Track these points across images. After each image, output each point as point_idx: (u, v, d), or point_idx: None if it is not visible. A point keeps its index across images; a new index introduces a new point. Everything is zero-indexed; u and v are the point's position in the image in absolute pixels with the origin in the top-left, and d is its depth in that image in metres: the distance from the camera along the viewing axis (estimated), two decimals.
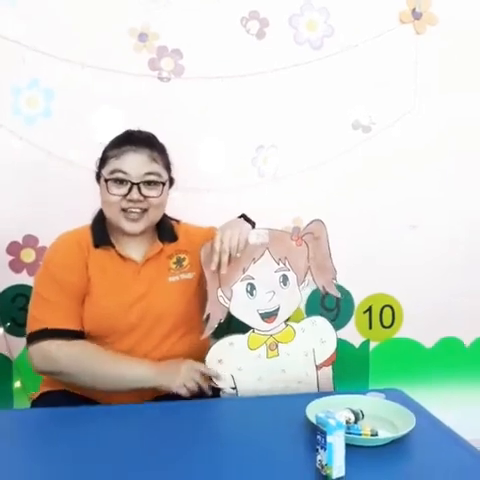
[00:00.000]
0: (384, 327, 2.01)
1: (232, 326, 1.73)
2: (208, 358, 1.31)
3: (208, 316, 1.31)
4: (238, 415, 1.23)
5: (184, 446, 1.05)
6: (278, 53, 1.85)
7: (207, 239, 1.45)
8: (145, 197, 1.34)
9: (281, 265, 1.34)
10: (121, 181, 1.33)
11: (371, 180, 1.93)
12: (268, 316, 1.33)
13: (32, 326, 1.34)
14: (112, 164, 1.34)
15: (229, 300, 1.32)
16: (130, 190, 1.32)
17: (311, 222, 1.37)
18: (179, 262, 1.44)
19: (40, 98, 1.77)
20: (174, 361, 1.34)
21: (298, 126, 1.87)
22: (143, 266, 1.40)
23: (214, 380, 1.31)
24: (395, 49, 1.89)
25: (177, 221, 1.52)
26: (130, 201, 1.33)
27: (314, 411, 1.04)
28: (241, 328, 1.36)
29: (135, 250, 1.41)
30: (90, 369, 1.30)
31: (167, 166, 1.41)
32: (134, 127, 1.43)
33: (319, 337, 1.34)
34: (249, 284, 1.32)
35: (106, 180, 1.34)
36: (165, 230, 1.46)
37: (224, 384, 1.31)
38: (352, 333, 1.97)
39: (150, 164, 1.35)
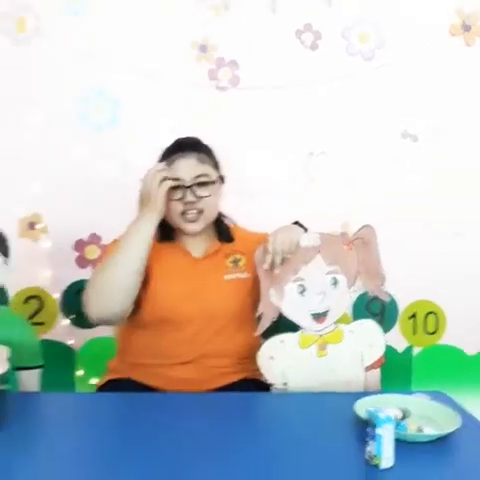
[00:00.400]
0: (428, 333, 2.05)
1: (280, 325, 1.83)
2: (260, 354, 1.38)
3: (261, 315, 1.39)
4: (288, 409, 1.30)
5: (236, 436, 1.12)
6: (330, 64, 1.93)
7: (262, 243, 1.55)
8: (199, 198, 1.44)
9: (332, 268, 1.39)
10: (176, 187, 1.44)
11: (418, 188, 1.97)
12: (318, 317, 1.39)
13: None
14: (167, 173, 1.45)
15: (281, 300, 1.39)
16: (185, 193, 1.44)
17: (362, 227, 1.42)
18: (235, 262, 1.53)
19: (107, 107, 1.90)
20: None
21: (348, 134, 1.94)
22: (201, 262, 1.50)
23: (264, 375, 1.39)
24: (445, 60, 1.94)
25: (233, 224, 1.62)
26: (186, 203, 1.44)
27: (363, 407, 1.11)
28: (289, 327, 1.43)
29: (195, 247, 1.52)
30: (103, 264, 1.41)
31: (215, 165, 1.51)
32: (193, 133, 1.55)
33: (368, 339, 1.39)
34: (300, 285, 1.38)
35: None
36: (223, 231, 1.56)
37: (275, 380, 1.38)
38: (396, 338, 2.02)
39: (199, 166, 1.45)
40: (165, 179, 1.38)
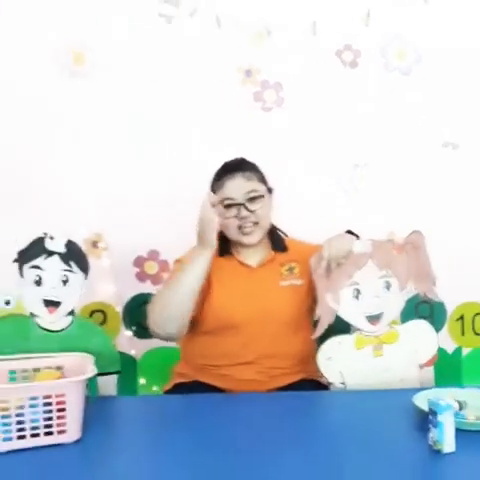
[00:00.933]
0: (476, 334, 2.10)
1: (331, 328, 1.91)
2: (319, 355, 1.48)
3: (319, 318, 1.48)
4: (349, 405, 1.39)
5: (303, 432, 1.21)
6: (370, 80, 2.03)
7: (315, 252, 1.65)
8: (252, 211, 1.56)
9: (384, 272, 1.48)
10: (230, 205, 1.57)
11: (459, 195, 2.04)
12: (373, 319, 1.48)
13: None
14: (219, 194, 1.58)
15: (337, 303, 1.48)
16: (239, 210, 1.56)
17: (411, 233, 1.50)
18: (290, 270, 1.64)
19: (162, 128, 2.03)
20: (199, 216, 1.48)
21: (390, 146, 2.04)
22: (257, 270, 1.62)
23: (323, 374, 1.48)
24: None
25: (285, 235, 1.73)
26: (242, 218, 1.57)
27: (421, 399, 1.19)
28: (341, 330, 1.52)
29: (251, 257, 1.64)
30: (165, 286, 1.54)
31: (262, 180, 1.63)
32: (242, 151, 1.67)
33: (422, 339, 1.48)
34: (355, 289, 1.48)
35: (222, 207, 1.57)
36: (277, 241, 1.68)
37: (334, 379, 1.48)
38: (445, 340, 2.07)
39: (247, 184, 1.58)
40: (214, 219, 1.46)
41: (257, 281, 1.61)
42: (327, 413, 1.35)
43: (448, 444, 1.03)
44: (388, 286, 1.49)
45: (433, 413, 1.04)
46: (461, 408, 1.19)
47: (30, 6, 1.98)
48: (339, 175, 2.05)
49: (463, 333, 2.10)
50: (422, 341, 1.49)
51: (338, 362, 1.48)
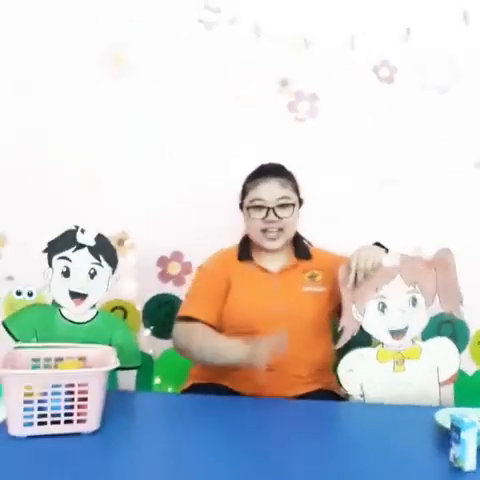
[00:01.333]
0: None
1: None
2: (340, 366, 1.48)
3: (342, 329, 1.48)
4: (367, 417, 1.38)
5: (321, 441, 1.21)
6: (406, 96, 2.02)
7: (339, 264, 1.65)
8: (280, 218, 1.57)
9: (411, 287, 1.48)
10: (259, 207, 1.58)
11: None
12: (397, 334, 1.47)
13: (178, 311, 1.63)
14: (251, 194, 1.61)
15: (362, 316, 1.48)
16: (267, 213, 1.57)
17: (441, 250, 1.50)
18: (313, 277, 1.65)
19: (193, 135, 2.05)
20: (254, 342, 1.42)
21: (422, 163, 2.02)
22: (278, 275, 1.63)
23: (343, 386, 1.47)
24: None
25: (310, 243, 1.73)
26: (268, 222, 1.58)
27: (442, 416, 1.18)
28: (361, 343, 1.51)
29: (273, 263, 1.65)
30: (195, 341, 1.51)
31: (296, 189, 1.65)
32: (273, 160, 1.68)
33: (444, 356, 1.48)
34: (381, 303, 1.48)
35: (248, 208, 1.60)
36: (300, 248, 1.69)
37: (353, 391, 1.47)
38: (467, 362, 2.04)
39: (281, 190, 1.59)
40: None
41: (278, 286, 1.62)
42: (345, 424, 1.35)
43: (470, 462, 1.02)
44: (414, 302, 1.49)
45: (456, 430, 1.03)
46: None
47: (77, 7, 2.02)
48: (369, 189, 2.04)
49: None
50: (444, 359, 1.48)
51: (359, 374, 1.48)
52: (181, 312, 1.62)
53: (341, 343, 1.49)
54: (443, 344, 1.50)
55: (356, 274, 1.47)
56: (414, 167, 2.02)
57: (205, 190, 2.05)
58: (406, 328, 1.48)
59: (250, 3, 2.03)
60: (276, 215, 1.57)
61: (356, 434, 1.28)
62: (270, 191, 1.59)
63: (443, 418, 1.22)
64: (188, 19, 2.05)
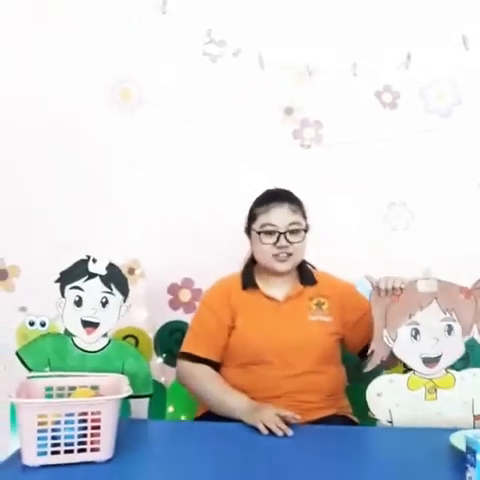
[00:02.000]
0: None
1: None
2: (368, 391, 1.45)
3: (372, 352, 1.45)
4: (383, 440, 1.38)
5: (333, 466, 1.20)
6: (409, 121, 2.06)
7: (347, 290, 1.67)
8: (291, 243, 1.58)
9: (447, 315, 1.44)
10: (270, 232, 1.59)
11: None
12: (430, 361, 1.43)
13: (181, 347, 1.65)
14: (262, 219, 1.62)
15: (393, 341, 1.45)
16: (278, 239, 1.58)
17: None
18: (319, 305, 1.64)
19: (202, 164, 2.10)
20: (265, 404, 1.47)
21: (427, 185, 2.04)
22: (284, 304, 1.63)
23: (371, 410, 1.45)
24: None
25: (314, 268, 1.74)
26: (279, 248, 1.59)
27: (458, 439, 1.17)
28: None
29: (278, 290, 1.65)
30: (203, 389, 1.56)
31: (304, 215, 1.66)
32: (281, 187, 1.71)
33: (479, 388, 1.43)
34: (414, 329, 1.44)
35: (259, 232, 1.61)
36: (306, 274, 1.69)
37: (381, 416, 1.44)
38: None
39: (292, 215, 1.61)
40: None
41: (285, 315, 1.61)
42: (361, 448, 1.33)
43: None
44: (450, 330, 1.44)
45: (471, 452, 1.02)
46: None
47: (84, 42, 2.09)
48: (376, 212, 2.06)
49: None
50: (479, 391, 1.44)
51: (388, 400, 1.44)
52: (184, 348, 1.64)
53: (370, 367, 1.46)
54: (479, 376, 1.45)
55: (386, 287, 1.45)
56: (419, 190, 2.05)
57: (215, 217, 2.09)
58: (439, 356, 1.44)
59: (253, 35, 2.09)
60: (287, 240, 1.58)
61: (371, 457, 1.28)
62: (282, 216, 1.60)
63: (458, 440, 1.20)
64: (193, 52, 2.11)
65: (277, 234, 1.59)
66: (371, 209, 2.06)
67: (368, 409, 1.45)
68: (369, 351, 1.46)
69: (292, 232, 1.60)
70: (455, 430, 1.29)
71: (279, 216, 1.60)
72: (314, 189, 2.00)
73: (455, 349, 1.45)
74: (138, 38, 2.10)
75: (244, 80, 2.10)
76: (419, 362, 1.44)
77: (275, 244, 1.59)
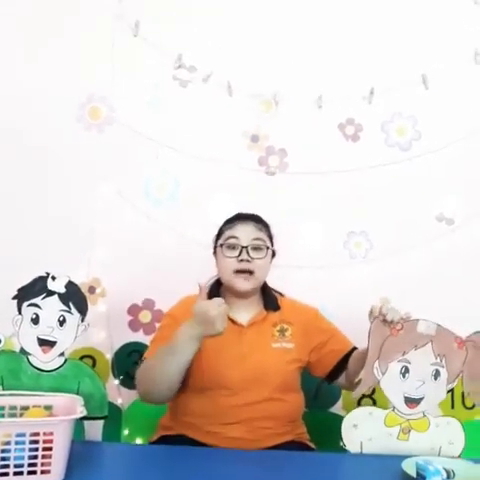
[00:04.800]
0: None
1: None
2: (345, 421, 1.45)
3: (359, 381, 1.46)
4: (337, 466, 1.39)
5: None
6: (370, 154, 2.13)
7: (311, 315, 1.70)
8: (252, 258, 1.59)
9: (438, 360, 1.45)
10: (233, 246, 1.61)
11: (453, 269, 2.08)
12: (411, 402, 1.45)
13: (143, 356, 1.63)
14: (227, 233, 1.64)
15: (382, 374, 1.45)
16: (240, 252, 1.59)
17: (476, 332, 1.48)
18: (282, 331, 1.65)
19: (168, 185, 2.12)
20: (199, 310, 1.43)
21: (386, 215, 2.11)
22: (247, 329, 1.63)
23: (343, 440, 1.45)
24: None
25: (281, 294, 1.76)
26: (241, 261, 1.59)
27: (409, 465, 1.19)
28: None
29: (242, 314, 1.65)
30: (157, 363, 1.48)
31: (270, 237, 1.69)
32: (244, 211, 1.73)
33: (449, 437, 1.45)
34: (404, 366, 1.45)
35: (221, 245, 1.62)
36: (270, 300, 1.70)
37: (351, 447, 1.45)
38: None
39: (256, 232, 1.64)
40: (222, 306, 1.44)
41: (248, 341, 1.61)
42: (316, 474, 1.33)
43: None
44: (437, 375, 1.46)
45: (421, 478, 1.04)
46: (449, 477, 1.18)
47: (55, 59, 2.10)
48: (337, 240, 2.11)
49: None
50: (450, 440, 1.45)
51: (362, 432, 1.45)
52: (145, 356, 1.63)
53: (356, 395, 1.47)
54: (453, 425, 1.47)
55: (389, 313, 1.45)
56: (379, 219, 2.11)
57: (178, 238, 2.09)
58: (421, 398, 1.45)
59: (223, 63, 2.14)
60: (249, 255, 1.59)
61: None
62: (246, 231, 1.62)
63: (410, 466, 1.22)
64: (164, 76, 2.15)
65: (240, 248, 1.60)
66: (332, 236, 2.11)
67: (340, 438, 1.45)
68: (356, 379, 1.47)
69: (255, 248, 1.61)
70: (406, 457, 1.31)
71: (243, 230, 1.63)
72: (278, 215, 2.03)
73: (437, 394, 1.46)
74: (109, 58, 2.11)
75: (213, 106, 2.14)
76: (401, 400, 1.45)
77: (237, 257, 1.59)
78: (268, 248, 1.64)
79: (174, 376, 1.47)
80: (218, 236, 1.69)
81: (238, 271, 1.60)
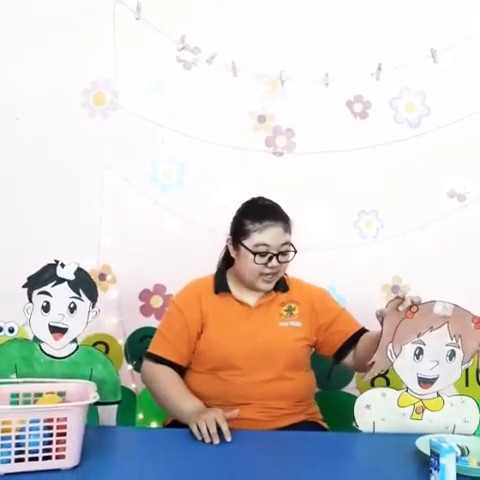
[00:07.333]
0: None
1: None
2: (357, 401, 1.44)
3: (372, 363, 1.44)
4: (351, 445, 1.39)
5: (301, 472, 1.20)
6: (379, 131, 2.09)
7: (318, 294, 1.68)
8: (280, 263, 1.58)
9: (454, 341, 1.43)
10: (262, 253, 1.56)
11: (466, 246, 2.06)
12: (425, 382, 1.43)
13: (148, 347, 1.65)
14: (256, 238, 1.56)
15: (396, 356, 1.44)
16: (270, 259, 1.56)
17: None
18: (290, 310, 1.64)
19: (174, 170, 2.11)
20: (213, 408, 1.45)
21: (397, 194, 2.08)
22: (255, 309, 1.62)
23: (356, 420, 1.45)
24: None
25: (285, 274, 1.74)
26: (270, 268, 1.57)
27: (423, 443, 1.18)
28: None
29: (250, 296, 1.64)
30: (161, 390, 1.55)
31: (290, 232, 1.63)
32: (251, 195, 1.70)
33: (464, 416, 1.44)
34: (418, 348, 1.43)
35: (253, 252, 1.56)
36: (278, 281, 1.67)
37: (364, 427, 1.44)
38: None
39: (284, 235, 1.59)
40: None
41: (256, 321, 1.61)
42: (329, 454, 1.33)
43: None
44: (452, 355, 1.44)
45: (435, 456, 1.04)
46: (463, 454, 1.18)
47: (57, 45, 2.08)
48: (346, 220, 2.09)
49: None
50: (464, 418, 1.44)
51: (375, 412, 1.44)
52: (149, 348, 1.64)
53: (368, 376, 1.45)
54: (468, 403, 1.45)
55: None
56: (389, 198, 2.08)
57: (187, 223, 2.09)
58: (435, 379, 1.44)
59: (227, 43, 2.11)
60: (279, 261, 1.57)
61: (340, 463, 1.28)
62: (276, 236, 1.57)
63: (424, 444, 1.22)
64: (167, 59, 2.12)
65: (269, 255, 1.57)
66: (342, 216, 2.09)
67: (353, 419, 1.44)
68: (370, 362, 1.45)
69: (283, 253, 1.59)
70: (420, 435, 1.31)
71: (273, 236, 1.57)
72: (286, 196, 2.01)
73: (452, 375, 1.45)
74: (112, 43, 2.09)
75: (217, 87, 2.11)
76: (415, 381, 1.44)
77: (266, 264, 1.57)
78: (295, 252, 1.60)
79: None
80: (242, 232, 1.59)
81: (264, 274, 1.59)
